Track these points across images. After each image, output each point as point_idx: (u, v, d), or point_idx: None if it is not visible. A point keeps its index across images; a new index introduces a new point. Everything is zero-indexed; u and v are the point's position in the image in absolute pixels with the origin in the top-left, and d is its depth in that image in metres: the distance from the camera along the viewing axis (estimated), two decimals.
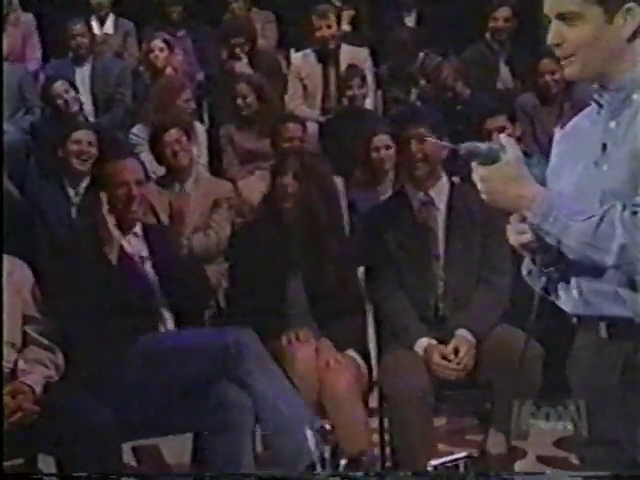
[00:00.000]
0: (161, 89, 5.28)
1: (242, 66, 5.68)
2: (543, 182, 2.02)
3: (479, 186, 1.93)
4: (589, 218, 1.85)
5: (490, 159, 1.91)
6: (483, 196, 1.94)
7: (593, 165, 1.92)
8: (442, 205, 3.45)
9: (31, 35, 6.14)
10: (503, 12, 5.99)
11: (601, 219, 1.84)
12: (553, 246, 1.90)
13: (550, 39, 1.91)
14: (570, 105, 4.99)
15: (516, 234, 1.95)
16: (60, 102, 5.27)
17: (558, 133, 2.08)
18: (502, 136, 1.97)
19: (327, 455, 2.20)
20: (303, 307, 3.43)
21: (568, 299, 1.96)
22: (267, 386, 2.90)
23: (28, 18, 6.16)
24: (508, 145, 1.92)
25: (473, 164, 1.92)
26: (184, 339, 3.06)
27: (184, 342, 3.03)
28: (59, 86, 5.30)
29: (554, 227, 1.87)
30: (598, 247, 1.84)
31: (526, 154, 2.03)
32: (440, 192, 3.47)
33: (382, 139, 4.52)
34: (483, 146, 1.92)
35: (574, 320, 2.01)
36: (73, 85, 5.39)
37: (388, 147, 4.50)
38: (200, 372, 2.92)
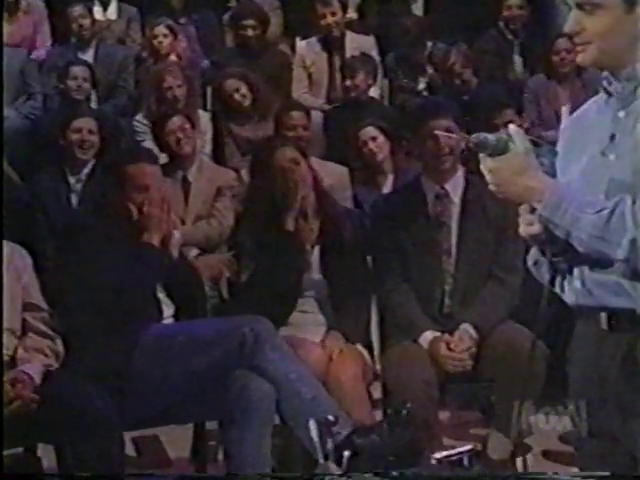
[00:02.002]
0: (148, 77, 5.31)
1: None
2: (553, 171, 2.02)
3: (487, 178, 1.93)
4: (600, 211, 1.85)
5: (498, 150, 1.91)
6: (491, 187, 1.94)
7: (600, 154, 1.93)
8: (457, 199, 3.41)
9: (42, 22, 6.13)
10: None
11: (612, 212, 1.84)
12: (562, 238, 1.89)
13: (568, 27, 1.92)
14: (582, 84, 4.98)
15: (525, 225, 1.95)
16: (72, 84, 5.26)
17: (565, 121, 2.08)
18: (511, 127, 1.96)
19: (330, 446, 2.19)
20: (318, 295, 3.42)
21: (571, 290, 1.96)
22: (287, 372, 2.93)
23: (39, 5, 6.15)
24: (517, 136, 1.91)
25: (481, 155, 1.92)
26: (198, 329, 3.07)
27: (199, 332, 3.03)
28: (79, 70, 5.29)
29: (564, 220, 1.88)
30: (609, 241, 1.85)
31: (535, 144, 2.02)
32: (456, 185, 3.43)
33: (367, 132, 4.52)
34: (491, 137, 1.91)
35: (577, 310, 2.00)
36: (93, 75, 5.39)
37: (374, 138, 4.49)
38: (216, 362, 2.94)
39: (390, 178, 4.50)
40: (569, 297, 1.98)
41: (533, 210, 1.92)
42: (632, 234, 1.82)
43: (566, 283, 1.98)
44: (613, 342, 1.94)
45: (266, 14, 5.94)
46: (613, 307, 1.91)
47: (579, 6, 1.90)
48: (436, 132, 3.12)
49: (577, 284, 1.95)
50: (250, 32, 5.74)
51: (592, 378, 1.97)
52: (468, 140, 1.93)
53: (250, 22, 5.75)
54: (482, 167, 1.93)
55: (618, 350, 1.93)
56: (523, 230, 1.96)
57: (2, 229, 3.04)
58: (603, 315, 1.94)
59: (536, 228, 1.93)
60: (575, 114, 2.08)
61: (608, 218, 1.84)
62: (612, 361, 1.94)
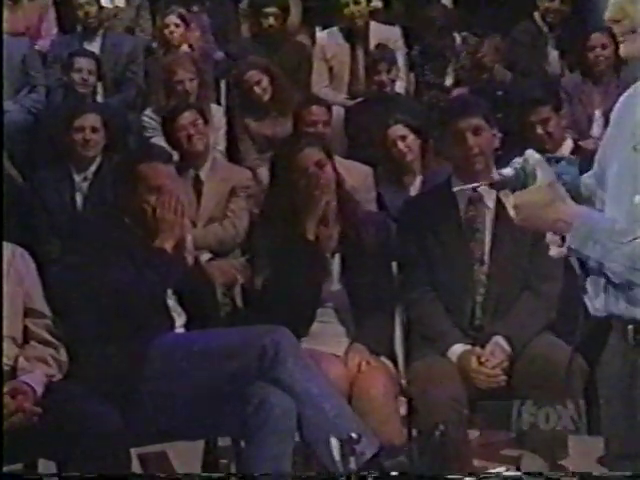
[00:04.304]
0: (158, 69, 5.33)
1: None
2: (577, 184, 2.02)
3: (511, 213, 1.94)
4: (633, 240, 1.85)
5: (520, 184, 1.91)
6: (516, 222, 1.94)
7: (632, 150, 1.93)
8: (491, 203, 3.37)
9: (47, 10, 6.16)
10: None
11: None
12: (595, 269, 1.89)
13: (609, 14, 1.92)
14: (616, 85, 4.97)
15: (556, 246, 1.95)
16: (76, 77, 5.28)
17: (613, 113, 2.07)
18: (532, 156, 1.95)
19: (353, 466, 2.19)
20: (338, 304, 3.42)
21: (599, 297, 1.96)
22: (309, 386, 2.92)
23: None
24: (539, 167, 1.91)
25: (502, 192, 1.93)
26: (215, 339, 3.06)
27: (215, 342, 3.03)
28: (84, 62, 5.32)
29: (595, 252, 1.88)
30: None
31: (555, 160, 2.02)
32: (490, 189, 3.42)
33: (396, 130, 4.50)
34: (509, 173, 1.92)
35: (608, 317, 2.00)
36: (99, 67, 5.41)
37: (404, 137, 4.49)
38: (234, 374, 2.94)
39: (419, 179, 4.49)
40: (598, 304, 1.97)
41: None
42: None
43: (591, 290, 1.98)
44: (637, 357, 1.95)
45: (287, 1, 5.95)
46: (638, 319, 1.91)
47: None
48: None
49: (608, 291, 1.95)
50: (271, 20, 5.75)
51: (619, 393, 1.98)
52: (485, 183, 1.94)
53: (271, 9, 5.77)
54: (506, 203, 1.95)
55: None
56: (555, 252, 1.96)
57: (2, 230, 3.04)
58: (630, 328, 1.95)
59: (564, 250, 1.93)
60: (617, 106, 2.07)
61: None
62: (635, 376, 1.95)
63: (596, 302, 1.98)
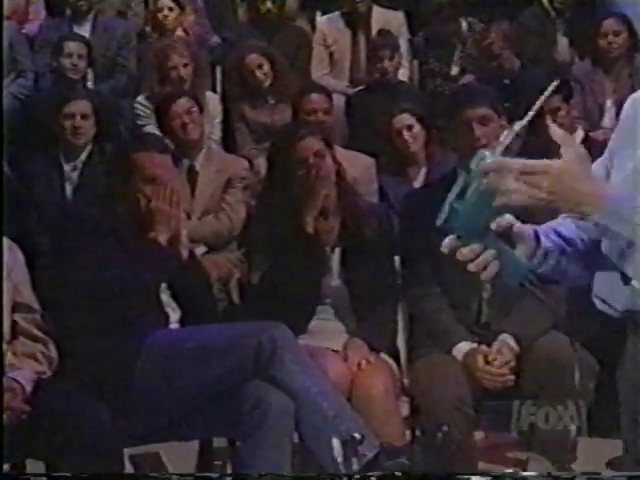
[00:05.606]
0: (151, 55, 5.34)
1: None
2: None
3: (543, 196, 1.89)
4: None
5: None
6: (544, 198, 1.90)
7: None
8: None
9: None
10: None
11: None
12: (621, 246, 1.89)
13: None
14: (629, 73, 4.98)
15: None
16: (66, 62, 5.29)
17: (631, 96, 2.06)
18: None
19: (355, 467, 2.22)
20: (338, 301, 3.43)
21: (619, 294, 1.96)
22: (308, 385, 2.93)
23: None
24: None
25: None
26: (210, 335, 3.07)
27: (210, 339, 3.04)
28: (74, 46, 5.32)
29: (625, 228, 1.87)
30: None
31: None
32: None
33: (402, 119, 4.51)
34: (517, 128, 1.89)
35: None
36: (90, 52, 5.41)
37: (410, 127, 4.50)
38: (229, 372, 2.95)
39: (423, 170, 4.51)
40: (618, 304, 1.98)
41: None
42: None
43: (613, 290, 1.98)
44: None
45: None
46: None
47: None
48: None
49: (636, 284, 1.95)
50: (269, 4, 5.76)
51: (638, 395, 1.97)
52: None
53: None
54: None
55: None
56: None
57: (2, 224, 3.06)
58: None
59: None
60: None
61: None
62: None
63: (615, 300, 1.98)
